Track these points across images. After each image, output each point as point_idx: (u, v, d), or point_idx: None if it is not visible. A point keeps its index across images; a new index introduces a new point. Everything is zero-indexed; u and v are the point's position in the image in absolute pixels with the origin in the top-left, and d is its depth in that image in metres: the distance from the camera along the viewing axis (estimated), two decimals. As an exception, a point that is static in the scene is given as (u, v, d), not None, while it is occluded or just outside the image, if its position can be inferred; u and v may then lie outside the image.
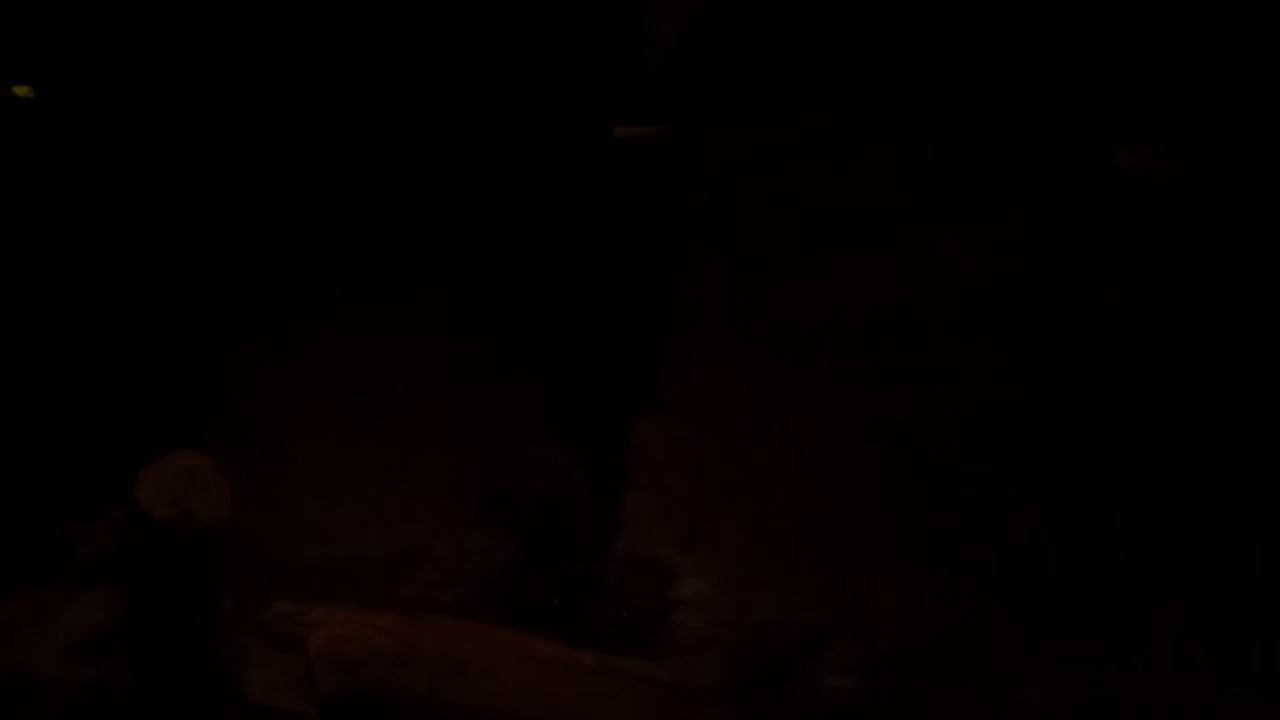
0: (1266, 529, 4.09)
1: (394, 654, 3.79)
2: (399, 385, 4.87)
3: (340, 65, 5.04)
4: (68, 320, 4.88)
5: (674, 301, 4.68)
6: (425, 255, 4.98)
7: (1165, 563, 4.10)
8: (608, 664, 3.89)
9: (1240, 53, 4.31)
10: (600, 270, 5.00)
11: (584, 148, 5.08)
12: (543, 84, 5.08)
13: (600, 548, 4.49)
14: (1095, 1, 4.42)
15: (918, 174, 4.54)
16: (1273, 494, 4.10)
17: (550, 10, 5.07)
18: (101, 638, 3.83)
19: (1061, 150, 4.45)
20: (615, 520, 4.52)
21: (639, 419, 4.59)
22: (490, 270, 4.99)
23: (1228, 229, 4.32)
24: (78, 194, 4.99)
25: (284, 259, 4.96)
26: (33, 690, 3.77)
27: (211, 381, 4.84)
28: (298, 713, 3.78)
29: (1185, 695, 3.87)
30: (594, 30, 5.05)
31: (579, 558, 4.52)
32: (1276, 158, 4.26)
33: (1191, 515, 4.12)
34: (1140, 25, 4.40)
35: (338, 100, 5.02)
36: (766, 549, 4.32)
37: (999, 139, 4.48)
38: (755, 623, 4.17)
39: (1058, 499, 4.20)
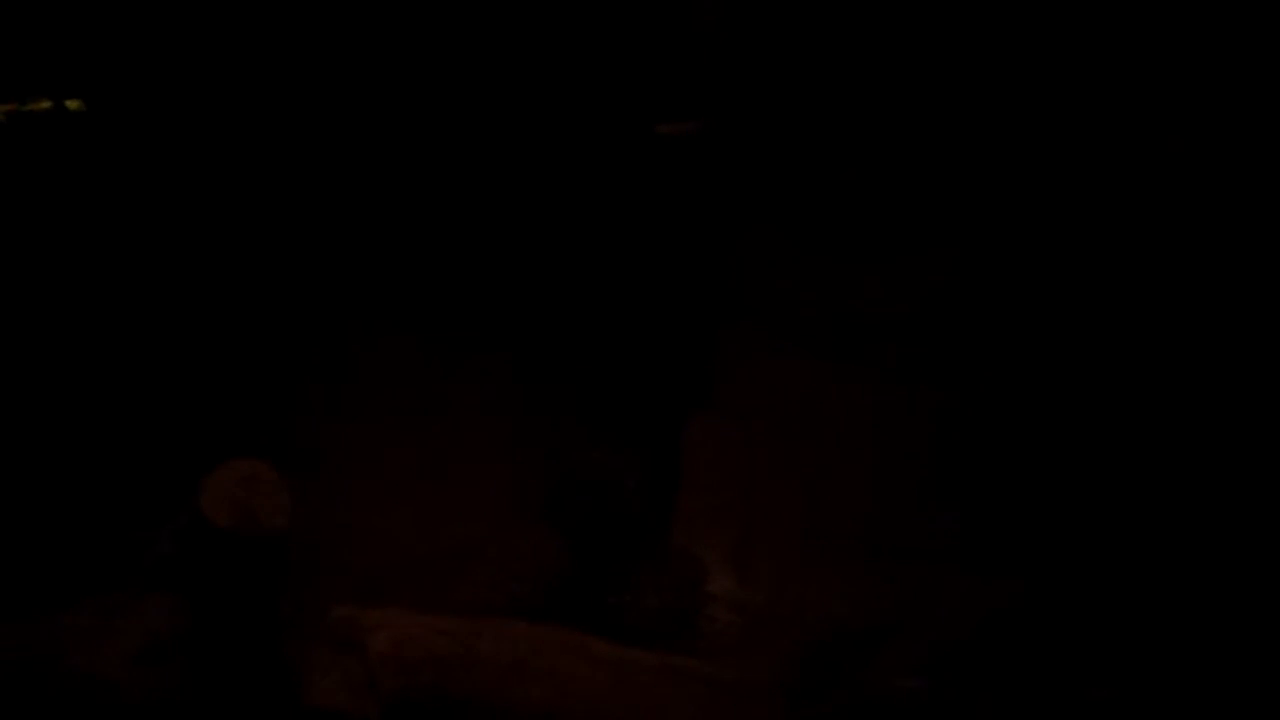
0: None
1: (455, 655, 3.81)
2: (453, 386, 4.88)
3: (379, 67, 5.05)
4: (128, 330, 4.92)
5: (724, 299, 4.68)
6: (476, 255, 4.99)
7: (1229, 557, 4.07)
8: (669, 664, 3.90)
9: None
10: (652, 268, 5.00)
11: (628, 144, 5.08)
12: (586, 82, 5.09)
13: (654, 548, 4.50)
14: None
15: (965, 161, 4.52)
16: None
17: (591, 7, 5.07)
18: (165, 644, 3.86)
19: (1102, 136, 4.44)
20: (669, 520, 4.52)
21: (692, 418, 4.59)
22: (541, 270, 4.99)
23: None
24: (135, 206, 5.03)
25: (336, 260, 4.97)
26: (98, 696, 3.80)
27: (269, 388, 4.87)
28: (359, 715, 3.80)
29: (1245, 688, 3.84)
30: (635, 26, 5.05)
31: (633, 558, 4.52)
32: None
33: (1251, 513, 4.09)
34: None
35: (380, 102, 5.04)
36: (823, 546, 4.31)
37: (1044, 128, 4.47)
38: (813, 621, 4.16)
39: (1117, 491, 4.17)
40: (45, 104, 5.05)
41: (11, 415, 4.68)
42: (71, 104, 5.05)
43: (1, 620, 3.96)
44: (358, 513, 4.65)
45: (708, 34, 4.95)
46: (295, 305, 4.93)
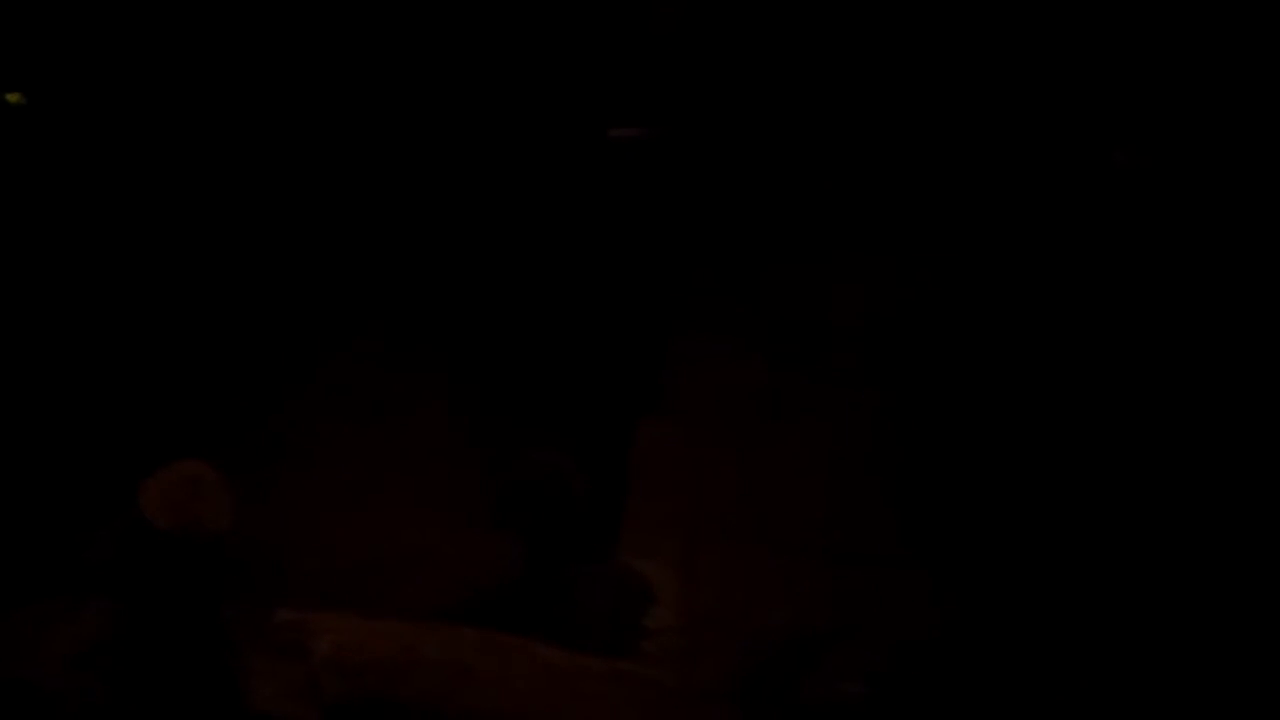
0: None
1: (400, 661, 3.77)
2: (401, 390, 4.86)
3: (337, 75, 5.03)
4: (71, 327, 4.87)
5: (676, 303, 4.69)
6: (425, 258, 4.97)
7: (1186, 561, 4.09)
8: (615, 669, 3.88)
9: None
10: (603, 272, 5.00)
11: (581, 149, 5.08)
12: (539, 86, 5.08)
13: (603, 553, 4.48)
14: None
15: (913, 170, 4.55)
16: None
17: (545, 12, 5.07)
18: (104, 648, 3.80)
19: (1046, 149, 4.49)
20: (618, 525, 4.52)
21: (642, 422, 4.59)
22: (491, 273, 4.98)
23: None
24: (87, 199, 4.98)
25: (287, 266, 4.95)
26: (34, 702, 3.74)
27: (214, 389, 4.83)
28: (302, 721, 3.76)
29: (1205, 691, 3.86)
30: (589, 31, 5.05)
31: (582, 563, 4.50)
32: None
33: (1223, 515, 4.11)
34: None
35: (335, 103, 5.02)
36: (771, 551, 4.32)
37: (993, 136, 4.50)
38: (761, 626, 4.16)
39: (1073, 497, 4.20)
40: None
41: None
42: (12, 97, 5.00)
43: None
44: (305, 516, 4.62)
45: (664, 39, 4.96)
46: (251, 306, 4.90)
